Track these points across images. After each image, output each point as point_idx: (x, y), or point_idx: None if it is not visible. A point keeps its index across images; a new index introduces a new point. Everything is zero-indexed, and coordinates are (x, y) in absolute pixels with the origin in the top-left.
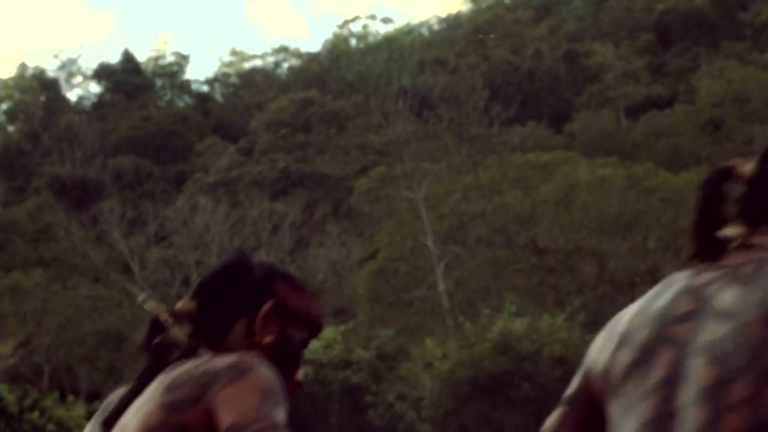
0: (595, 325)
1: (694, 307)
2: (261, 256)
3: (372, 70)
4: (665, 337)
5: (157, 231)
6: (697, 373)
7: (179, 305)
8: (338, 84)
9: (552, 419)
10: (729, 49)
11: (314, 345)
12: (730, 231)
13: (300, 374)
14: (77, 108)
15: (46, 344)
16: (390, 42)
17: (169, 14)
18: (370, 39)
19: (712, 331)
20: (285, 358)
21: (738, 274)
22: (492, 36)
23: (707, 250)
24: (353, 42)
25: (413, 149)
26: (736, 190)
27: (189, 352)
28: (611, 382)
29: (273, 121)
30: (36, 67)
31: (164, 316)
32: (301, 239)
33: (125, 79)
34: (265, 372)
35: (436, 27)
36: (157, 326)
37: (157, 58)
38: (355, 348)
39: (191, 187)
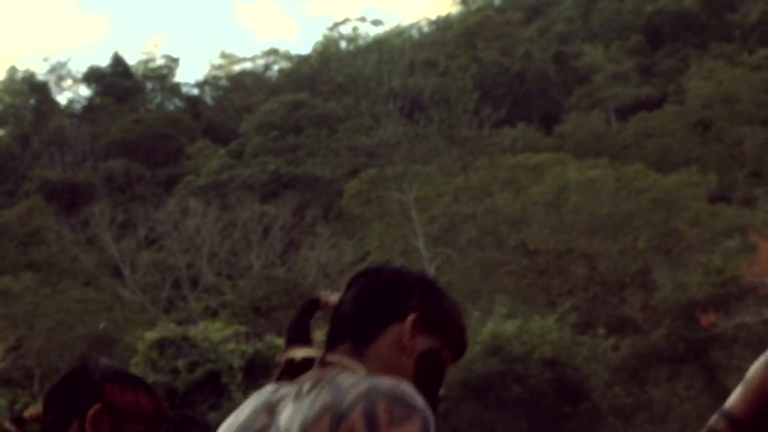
0: (587, 326)
1: (266, 423)
2: (251, 259)
3: (362, 72)
4: None
5: (147, 234)
6: None
7: (27, 412)
8: (328, 86)
9: None
10: (718, 50)
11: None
12: (301, 352)
13: None
14: (67, 111)
15: (37, 348)
16: (380, 44)
17: (159, 18)
18: (361, 41)
19: None
20: None
21: (299, 391)
22: (482, 38)
23: (285, 369)
24: (343, 44)
25: (404, 151)
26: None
27: None
28: None
29: (263, 124)
30: (26, 71)
31: (6, 425)
32: (292, 242)
33: (115, 82)
34: None
35: (426, 29)
36: None
37: (147, 61)
38: None
39: (182, 189)
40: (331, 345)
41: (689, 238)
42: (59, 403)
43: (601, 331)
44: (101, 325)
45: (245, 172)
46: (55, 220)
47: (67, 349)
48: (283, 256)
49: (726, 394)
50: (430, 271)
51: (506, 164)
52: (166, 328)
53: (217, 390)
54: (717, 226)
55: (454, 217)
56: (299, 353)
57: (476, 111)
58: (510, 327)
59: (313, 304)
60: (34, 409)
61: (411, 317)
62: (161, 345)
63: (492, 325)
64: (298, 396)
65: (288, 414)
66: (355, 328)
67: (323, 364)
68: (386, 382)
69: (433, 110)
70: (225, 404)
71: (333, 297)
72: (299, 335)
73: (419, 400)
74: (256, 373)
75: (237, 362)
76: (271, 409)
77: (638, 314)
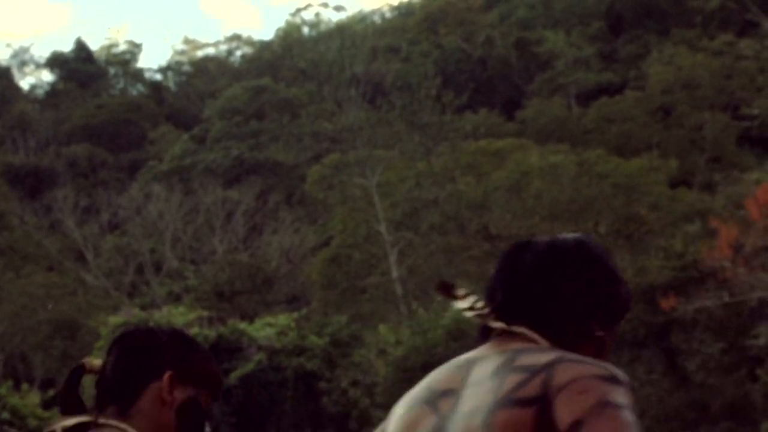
0: None
1: None
2: (214, 244)
3: (325, 57)
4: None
5: (110, 219)
6: None
7: (88, 363)
8: (291, 72)
9: None
10: (679, 35)
11: (268, 331)
12: (72, 420)
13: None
14: (30, 96)
15: (0, 333)
16: (342, 30)
17: (123, 8)
18: (323, 27)
19: None
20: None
21: None
22: (444, 24)
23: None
24: (306, 30)
25: (366, 136)
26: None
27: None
28: None
29: (226, 109)
30: None
31: (4, 428)
32: (255, 227)
33: (78, 68)
34: None
35: (388, 15)
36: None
37: (109, 47)
38: (309, 335)
39: (145, 175)
40: (100, 409)
41: (650, 223)
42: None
43: None
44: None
45: (208, 158)
46: (19, 205)
47: (31, 334)
48: (246, 241)
49: (686, 377)
50: (393, 255)
51: (468, 150)
52: (130, 313)
53: None
54: (677, 210)
55: (417, 202)
56: (72, 421)
57: (438, 97)
58: None
59: (79, 370)
60: (96, 362)
61: (167, 375)
62: None
63: (454, 310)
64: None
65: None
66: (118, 392)
67: (97, 426)
68: None
69: (395, 96)
70: None
71: (96, 362)
72: (71, 403)
73: None
74: (219, 358)
75: None
76: None
77: None
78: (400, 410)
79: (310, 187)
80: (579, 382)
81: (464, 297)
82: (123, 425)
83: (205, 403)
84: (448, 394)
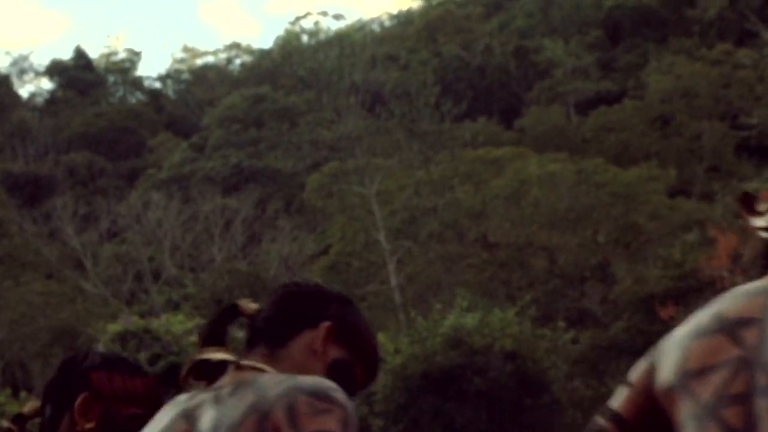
0: (547, 319)
1: (185, 429)
2: (213, 252)
3: (324, 66)
4: None
5: (109, 227)
6: None
7: (25, 408)
8: (290, 80)
9: None
10: (677, 44)
11: None
12: (217, 354)
13: None
14: (29, 104)
15: None
16: (341, 38)
17: (123, 16)
18: (322, 35)
19: None
20: None
21: (218, 396)
22: (443, 32)
23: (195, 369)
24: (305, 38)
25: (365, 145)
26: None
27: None
28: None
29: (225, 117)
30: None
31: (6, 424)
32: (254, 235)
33: (77, 76)
34: None
35: (387, 23)
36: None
37: (109, 55)
38: None
39: (144, 183)
40: (249, 349)
41: (648, 232)
42: (52, 396)
43: (561, 324)
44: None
45: (207, 166)
46: (18, 212)
47: (30, 342)
48: (244, 249)
49: None
50: (391, 263)
51: (467, 158)
52: (128, 321)
53: (178, 383)
54: (676, 220)
55: (415, 211)
56: (215, 355)
57: (437, 105)
58: (470, 320)
59: (232, 310)
60: (33, 404)
61: (325, 324)
62: (123, 337)
63: (452, 318)
64: (218, 400)
65: (210, 418)
66: (270, 333)
67: (238, 367)
68: (308, 379)
69: (394, 104)
70: None
71: (252, 305)
72: (214, 337)
73: (341, 395)
74: None
75: None
76: (188, 416)
77: (597, 307)
78: (678, 343)
79: (309, 195)
80: None
81: (765, 213)
82: (267, 367)
83: (358, 376)
84: (748, 322)
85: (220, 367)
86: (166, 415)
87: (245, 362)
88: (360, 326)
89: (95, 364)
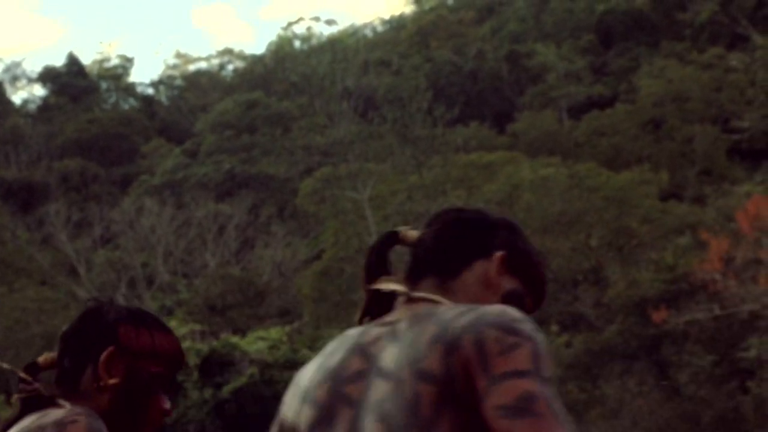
0: (539, 323)
1: (364, 366)
2: (207, 258)
3: (316, 71)
4: (342, 396)
5: (103, 233)
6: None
7: (40, 358)
8: (283, 85)
9: None
10: (669, 48)
11: (260, 345)
12: (390, 285)
13: (166, 403)
14: (22, 111)
15: None
16: (334, 43)
17: (116, 22)
18: (314, 41)
19: (378, 390)
20: (138, 395)
21: (394, 330)
22: (435, 37)
23: (372, 307)
24: (297, 44)
25: (358, 150)
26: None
27: (45, 403)
28: None
29: (218, 123)
30: None
31: (21, 374)
32: (247, 240)
33: (70, 82)
34: (86, 425)
35: (379, 28)
36: (23, 383)
37: (101, 61)
38: (301, 348)
39: (137, 189)
40: (413, 281)
41: (641, 236)
42: (73, 347)
43: (554, 327)
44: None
45: (200, 171)
46: (11, 219)
47: (24, 348)
48: (238, 254)
49: (677, 390)
50: None
51: (459, 163)
52: None
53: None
54: (668, 223)
55: (408, 216)
56: (388, 286)
57: (429, 110)
58: None
59: (392, 237)
60: (50, 355)
61: (499, 254)
62: None
63: None
64: (394, 335)
65: (391, 355)
66: (440, 263)
67: (409, 300)
68: (492, 309)
69: (386, 109)
70: (180, 402)
71: (413, 233)
72: (380, 267)
73: (528, 325)
74: (211, 371)
75: (193, 360)
76: (364, 352)
77: (591, 311)
78: None
79: (302, 200)
80: None
81: None
82: (440, 299)
83: (528, 307)
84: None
85: (390, 299)
86: (336, 350)
87: (417, 294)
88: (531, 254)
89: (123, 317)
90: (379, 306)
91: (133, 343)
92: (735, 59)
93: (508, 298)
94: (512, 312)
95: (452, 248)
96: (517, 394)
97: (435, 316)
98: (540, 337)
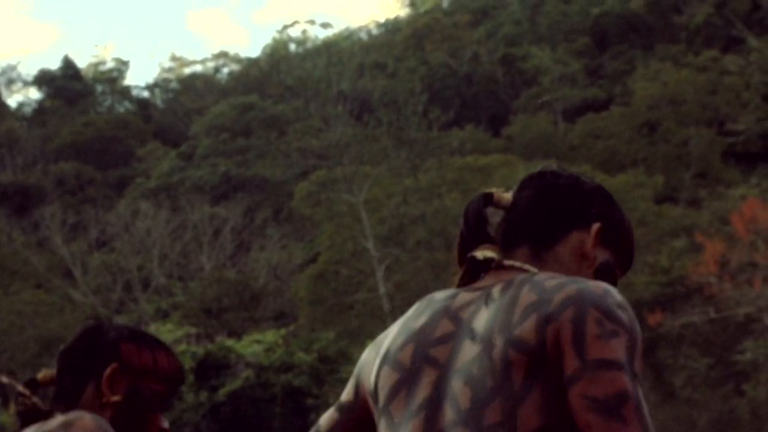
0: None
1: (452, 330)
2: (202, 261)
3: (312, 74)
4: (427, 357)
5: (98, 236)
6: (456, 394)
7: (39, 375)
8: (278, 88)
9: (324, 421)
10: (664, 51)
11: (255, 348)
12: (486, 252)
13: (164, 422)
14: (17, 114)
15: None
16: (329, 46)
17: (111, 26)
18: (310, 44)
19: (467, 353)
20: (138, 413)
21: (488, 295)
22: (430, 40)
23: (465, 271)
24: (293, 47)
25: (353, 153)
26: (497, 215)
27: (43, 417)
28: (379, 400)
29: (213, 126)
30: None
31: (20, 388)
32: (242, 243)
33: (66, 85)
34: (92, 419)
35: (374, 31)
36: (22, 397)
37: (97, 64)
38: (297, 351)
39: (132, 192)
40: (507, 248)
41: (636, 239)
42: (74, 365)
43: None
44: None
45: (196, 174)
46: (6, 222)
47: (19, 351)
48: (233, 257)
49: (672, 393)
50: (380, 271)
51: (455, 166)
52: None
53: None
54: (663, 226)
55: (404, 218)
56: (484, 252)
57: (425, 113)
58: None
59: (487, 199)
60: (49, 371)
61: (595, 226)
62: None
63: None
64: (489, 300)
65: (484, 318)
66: (536, 232)
67: (500, 267)
68: (596, 287)
69: (382, 112)
70: (176, 405)
71: (507, 195)
72: (481, 232)
73: (628, 314)
74: (207, 374)
75: (188, 363)
76: (454, 316)
77: None
78: None
79: (298, 203)
80: None
81: None
82: (533, 269)
83: (617, 276)
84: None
85: (483, 264)
86: (421, 313)
87: (510, 262)
88: (626, 225)
89: (125, 336)
90: (474, 271)
91: (135, 361)
92: (730, 62)
93: (601, 271)
94: (616, 295)
95: (549, 217)
96: (611, 390)
97: (533, 284)
98: (638, 329)
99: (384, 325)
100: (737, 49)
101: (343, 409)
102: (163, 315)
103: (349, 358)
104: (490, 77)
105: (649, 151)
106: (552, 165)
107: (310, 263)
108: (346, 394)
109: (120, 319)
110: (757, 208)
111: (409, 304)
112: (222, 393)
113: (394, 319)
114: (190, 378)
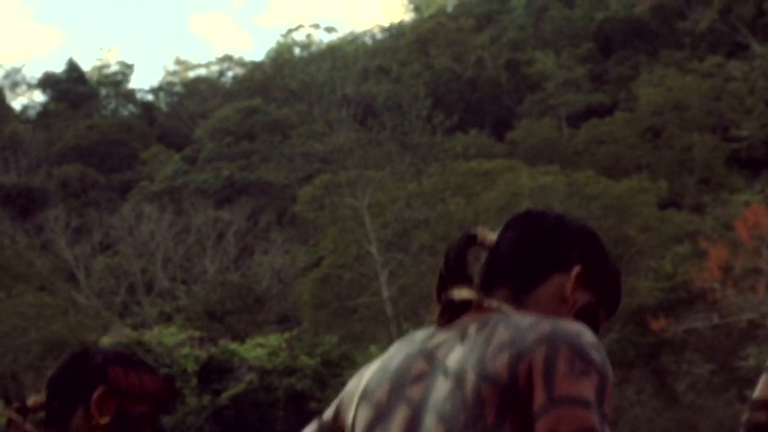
0: None
1: (426, 369)
2: (206, 264)
3: (316, 78)
4: (402, 396)
5: (102, 239)
6: (429, 430)
7: (30, 401)
8: (282, 93)
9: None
10: (668, 57)
11: (258, 352)
12: (463, 293)
13: None
14: (22, 117)
15: None
16: (333, 51)
17: (115, 29)
18: (314, 48)
19: (440, 390)
20: None
21: (464, 334)
22: (434, 45)
23: (442, 310)
24: (297, 51)
25: (357, 157)
26: (481, 255)
27: None
28: None
29: (217, 130)
30: None
31: (13, 415)
32: (246, 247)
33: (70, 88)
34: None
35: (379, 36)
36: (14, 423)
37: (101, 68)
38: (300, 355)
39: (136, 195)
40: (487, 288)
41: (639, 244)
42: (62, 390)
43: None
44: None
45: (199, 178)
46: (10, 225)
47: (22, 354)
48: (237, 261)
49: (675, 398)
50: (383, 275)
51: (458, 170)
52: (121, 333)
53: (172, 392)
54: (667, 232)
55: (407, 223)
56: (461, 294)
57: (429, 117)
58: None
59: (470, 240)
60: (38, 397)
61: (576, 269)
62: None
63: None
64: (464, 338)
65: (458, 355)
66: (516, 275)
67: (480, 308)
68: (570, 326)
69: (386, 116)
70: (179, 409)
71: (491, 235)
72: (460, 273)
73: (600, 355)
74: (210, 378)
75: (191, 366)
76: (429, 355)
77: None
78: None
79: (301, 207)
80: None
81: None
82: (512, 312)
83: (600, 319)
84: None
85: (464, 304)
86: (399, 352)
87: (489, 303)
88: (608, 267)
89: (111, 359)
90: (452, 311)
91: (122, 383)
92: (734, 68)
93: (581, 313)
94: (589, 336)
95: (530, 260)
96: (576, 427)
97: (508, 323)
98: (609, 370)
99: (387, 329)
100: (741, 55)
101: (322, 428)
102: (166, 318)
103: (352, 362)
104: (495, 82)
105: (653, 156)
106: (539, 207)
107: (313, 267)
108: (327, 415)
109: (124, 323)
110: (761, 214)
111: (413, 309)
112: (225, 396)
113: (398, 323)
114: (193, 381)
